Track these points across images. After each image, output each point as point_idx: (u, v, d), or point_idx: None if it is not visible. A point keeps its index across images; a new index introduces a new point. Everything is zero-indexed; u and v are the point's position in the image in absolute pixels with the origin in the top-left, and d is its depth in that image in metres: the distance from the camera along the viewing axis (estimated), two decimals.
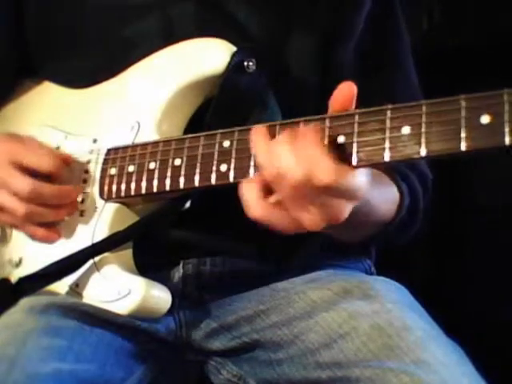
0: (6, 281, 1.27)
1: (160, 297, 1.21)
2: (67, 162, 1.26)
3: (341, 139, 1.01)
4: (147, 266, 1.25)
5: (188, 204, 1.22)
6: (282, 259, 1.32)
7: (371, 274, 1.42)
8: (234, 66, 1.19)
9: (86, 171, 1.27)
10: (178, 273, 1.30)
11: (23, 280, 1.24)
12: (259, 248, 1.30)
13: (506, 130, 0.90)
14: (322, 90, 1.30)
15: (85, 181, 1.27)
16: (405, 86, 1.36)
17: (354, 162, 1.00)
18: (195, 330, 1.29)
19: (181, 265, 1.30)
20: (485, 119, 0.91)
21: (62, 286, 1.24)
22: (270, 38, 1.29)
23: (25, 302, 1.19)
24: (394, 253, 1.56)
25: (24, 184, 1.20)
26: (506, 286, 1.76)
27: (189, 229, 1.27)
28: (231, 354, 1.28)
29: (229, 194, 1.20)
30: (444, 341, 1.14)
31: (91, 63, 1.32)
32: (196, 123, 1.23)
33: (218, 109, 1.21)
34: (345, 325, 1.16)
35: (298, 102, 1.26)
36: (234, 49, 1.20)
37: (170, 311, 1.24)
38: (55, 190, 1.23)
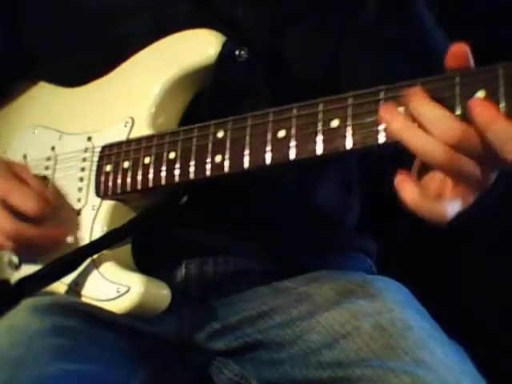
0: (5, 283, 1.27)
1: (159, 293, 1.20)
2: (55, 202, 1.25)
3: (335, 123, 1.00)
4: (149, 265, 1.24)
5: (186, 198, 1.20)
6: (284, 259, 1.31)
7: (372, 273, 1.41)
8: (225, 55, 1.18)
9: (82, 169, 1.26)
10: (180, 272, 1.29)
11: (23, 281, 1.22)
12: (261, 248, 1.29)
13: (502, 105, 0.88)
14: (323, 80, 1.29)
15: (81, 179, 1.26)
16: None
17: (349, 146, 0.98)
18: (198, 330, 1.28)
19: (183, 264, 1.29)
20: (480, 95, 0.89)
21: (61, 286, 1.23)
22: (268, 32, 1.28)
23: (28, 302, 1.18)
24: (395, 252, 1.55)
25: (8, 224, 1.20)
26: (506, 286, 1.74)
27: (191, 228, 1.26)
28: (234, 354, 1.27)
29: (231, 194, 1.19)
30: (445, 340, 1.13)
31: (84, 62, 1.32)
32: (191, 115, 1.22)
33: (212, 99, 1.20)
34: (347, 324, 1.15)
35: (297, 92, 1.24)
36: (224, 38, 1.19)
37: (173, 311, 1.23)
38: (38, 234, 1.22)
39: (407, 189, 0.95)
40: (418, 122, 0.92)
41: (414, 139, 0.92)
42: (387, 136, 0.95)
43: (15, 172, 1.25)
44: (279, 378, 1.21)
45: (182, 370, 1.28)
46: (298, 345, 1.19)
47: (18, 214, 1.20)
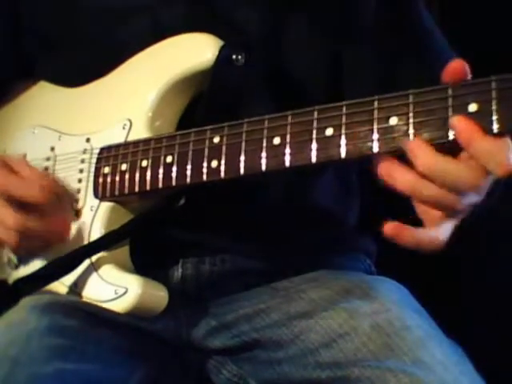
0: (3, 283, 1.28)
1: (157, 295, 1.21)
2: (55, 190, 1.24)
3: (329, 131, 1.00)
4: (146, 265, 1.25)
5: (183, 201, 1.21)
6: (283, 259, 1.31)
7: (371, 273, 1.40)
8: (223, 59, 1.18)
9: (81, 171, 1.27)
10: (177, 272, 1.29)
11: (21, 281, 1.24)
12: (259, 247, 1.29)
13: (494, 118, 0.88)
14: (326, 85, 1.29)
15: (79, 180, 1.27)
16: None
17: (343, 154, 0.99)
18: (195, 328, 1.28)
19: (180, 264, 1.29)
20: (472, 107, 0.90)
21: (62, 287, 1.24)
22: (267, 34, 1.28)
23: (27, 301, 1.19)
24: (395, 252, 1.55)
25: (11, 217, 1.20)
26: (506, 286, 1.74)
27: (188, 228, 1.26)
28: (231, 353, 1.27)
29: (228, 193, 1.19)
30: (444, 341, 1.13)
31: (84, 63, 1.32)
32: (188, 119, 1.23)
33: (208, 103, 1.20)
34: (345, 325, 1.15)
35: (296, 96, 1.24)
36: (222, 43, 1.19)
37: (171, 310, 1.23)
38: (43, 225, 1.21)
39: (404, 236, 0.99)
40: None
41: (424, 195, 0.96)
42: (381, 146, 0.96)
43: (11, 166, 1.24)
44: (277, 379, 1.21)
45: (180, 370, 1.29)
46: (296, 344, 1.19)
47: (21, 208, 1.20)
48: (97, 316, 1.19)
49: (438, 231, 0.99)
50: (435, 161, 0.93)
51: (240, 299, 1.28)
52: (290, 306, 1.23)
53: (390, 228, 0.98)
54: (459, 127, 0.91)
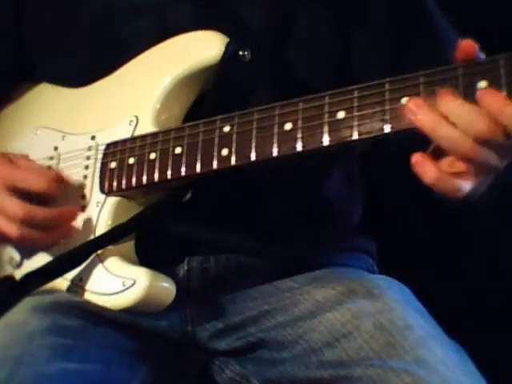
0: (10, 279, 1.27)
1: (164, 287, 1.21)
2: (60, 180, 1.27)
3: (341, 114, 1.03)
4: (151, 262, 1.24)
5: (189, 195, 1.22)
6: (287, 257, 1.32)
7: (373, 272, 1.42)
8: (229, 55, 1.20)
9: (86, 167, 1.28)
10: (182, 269, 1.29)
11: (27, 277, 1.22)
12: (263, 245, 1.31)
13: (503, 94, 0.93)
14: (333, 79, 1.29)
15: (85, 177, 1.28)
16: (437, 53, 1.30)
17: (355, 136, 1.02)
18: (201, 328, 1.28)
19: (185, 261, 1.30)
20: (482, 85, 0.94)
21: (64, 282, 1.24)
22: (273, 31, 1.30)
23: (28, 302, 1.19)
24: (395, 252, 1.56)
25: (17, 208, 1.21)
26: (506, 286, 1.77)
27: (193, 225, 1.27)
28: (236, 354, 1.28)
29: (234, 192, 1.21)
30: (445, 340, 1.15)
31: (88, 63, 1.34)
32: (194, 114, 1.24)
33: (215, 99, 1.22)
34: (348, 324, 1.17)
35: (305, 92, 1.27)
36: (228, 39, 1.21)
37: (176, 307, 1.24)
38: (48, 213, 1.23)
39: (426, 167, 0.98)
40: (446, 117, 0.96)
41: (444, 134, 0.96)
42: (392, 127, 0.99)
43: (14, 160, 1.27)
44: (280, 378, 1.22)
45: (183, 368, 1.29)
46: (300, 344, 1.20)
47: (27, 198, 1.22)
48: (98, 315, 1.19)
49: (462, 182, 0.99)
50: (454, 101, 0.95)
51: (245, 298, 1.29)
52: (295, 307, 1.25)
53: (416, 158, 0.99)
54: (488, 95, 0.93)
